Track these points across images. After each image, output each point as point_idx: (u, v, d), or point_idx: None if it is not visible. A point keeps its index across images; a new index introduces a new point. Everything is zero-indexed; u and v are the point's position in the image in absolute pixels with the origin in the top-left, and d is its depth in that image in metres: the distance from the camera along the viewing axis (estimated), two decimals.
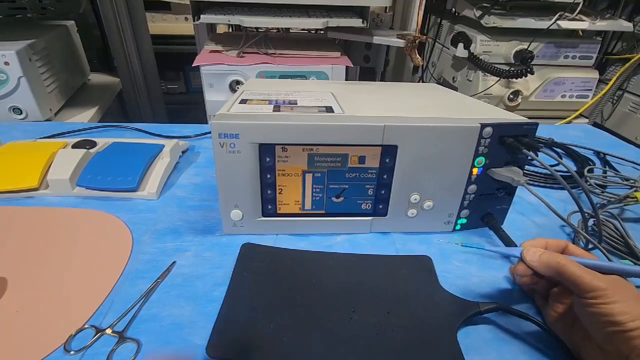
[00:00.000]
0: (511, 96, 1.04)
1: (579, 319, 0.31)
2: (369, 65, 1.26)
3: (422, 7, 1.01)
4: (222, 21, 0.89)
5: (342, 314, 0.35)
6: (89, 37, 1.22)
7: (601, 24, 1.00)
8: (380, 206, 0.44)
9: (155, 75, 1.14)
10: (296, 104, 0.45)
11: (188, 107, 1.57)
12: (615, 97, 1.18)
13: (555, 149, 0.71)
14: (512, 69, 0.97)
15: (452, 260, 0.43)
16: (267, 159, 0.40)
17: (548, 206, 0.40)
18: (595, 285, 0.28)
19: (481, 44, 1.00)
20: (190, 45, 1.28)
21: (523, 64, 0.97)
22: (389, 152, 0.41)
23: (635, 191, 0.53)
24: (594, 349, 0.30)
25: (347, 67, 0.92)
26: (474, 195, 0.45)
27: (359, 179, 0.42)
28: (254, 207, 0.43)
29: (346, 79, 0.93)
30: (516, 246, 0.43)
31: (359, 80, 1.29)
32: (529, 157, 0.40)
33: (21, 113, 0.83)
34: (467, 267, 0.42)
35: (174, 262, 0.40)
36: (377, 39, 0.97)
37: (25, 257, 0.40)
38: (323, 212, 0.44)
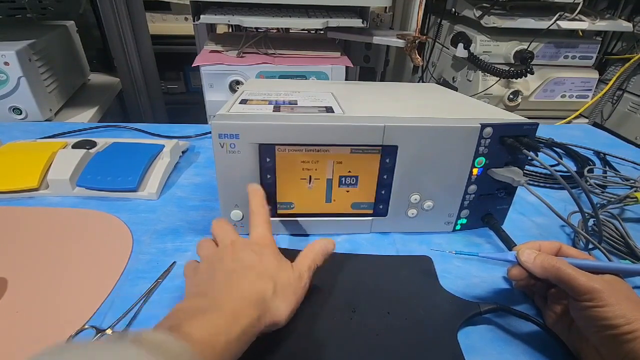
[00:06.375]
0: (511, 96, 1.04)
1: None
2: (369, 65, 1.27)
3: (422, 7, 1.01)
4: (222, 21, 0.88)
5: (342, 314, 0.35)
6: (89, 37, 1.22)
7: (601, 24, 1.00)
8: (381, 206, 0.44)
9: (155, 75, 1.14)
10: (296, 104, 0.45)
11: (188, 107, 1.57)
12: (615, 97, 1.18)
13: (555, 149, 0.71)
14: (512, 69, 0.97)
15: (452, 260, 0.43)
16: (267, 159, 0.40)
17: (548, 206, 0.41)
18: (590, 287, 0.28)
19: (481, 44, 1.00)
20: (190, 45, 1.28)
21: (523, 64, 0.97)
22: (389, 152, 0.41)
23: (635, 191, 0.53)
24: (591, 350, 0.30)
25: (347, 67, 0.91)
26: (474, 195, 0.45)
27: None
28: None
29: (346, 79, 0.93)
30: (516, 245, 0.42)
31: (359, 80, 1.30)
32: (529, 157, 0.40)
33: (21, 113, 0.83)
34: (467, 267, 0.42)
35: (174, 262, 0.40)
36: (377, 39, 0.97)
37: (25, 258, 0.40)
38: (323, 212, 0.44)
